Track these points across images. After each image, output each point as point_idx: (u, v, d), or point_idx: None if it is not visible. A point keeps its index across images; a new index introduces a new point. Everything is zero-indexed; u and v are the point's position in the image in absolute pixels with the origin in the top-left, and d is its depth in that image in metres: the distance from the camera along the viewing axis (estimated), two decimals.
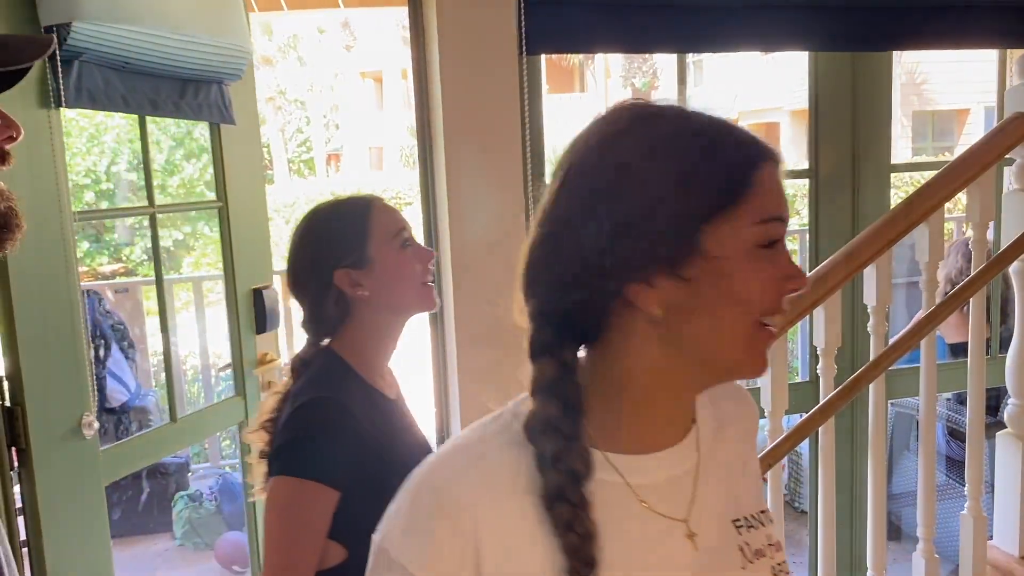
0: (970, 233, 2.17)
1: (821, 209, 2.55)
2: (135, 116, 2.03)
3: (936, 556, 2.11)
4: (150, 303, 5.02)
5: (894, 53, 2.57)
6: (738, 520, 0.84)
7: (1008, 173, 2.17)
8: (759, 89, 15.99)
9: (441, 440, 2.27)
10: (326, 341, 1.41)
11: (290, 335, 4.03)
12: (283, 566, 1.25)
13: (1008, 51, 2.60)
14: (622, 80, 18.09)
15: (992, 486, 2.26)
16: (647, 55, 15.68)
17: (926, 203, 2.05)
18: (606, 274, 0.71)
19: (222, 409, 2.43)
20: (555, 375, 0.74)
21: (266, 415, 1.39)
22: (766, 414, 2.20)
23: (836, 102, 2.46)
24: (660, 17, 2.14)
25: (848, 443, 2.62)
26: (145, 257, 9.66)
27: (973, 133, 14.13)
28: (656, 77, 18.60)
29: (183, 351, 5.06)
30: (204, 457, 4.71)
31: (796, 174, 2.43)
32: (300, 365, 1.40)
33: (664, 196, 0.71)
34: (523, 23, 1.98)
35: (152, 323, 5.24)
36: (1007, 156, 2.10)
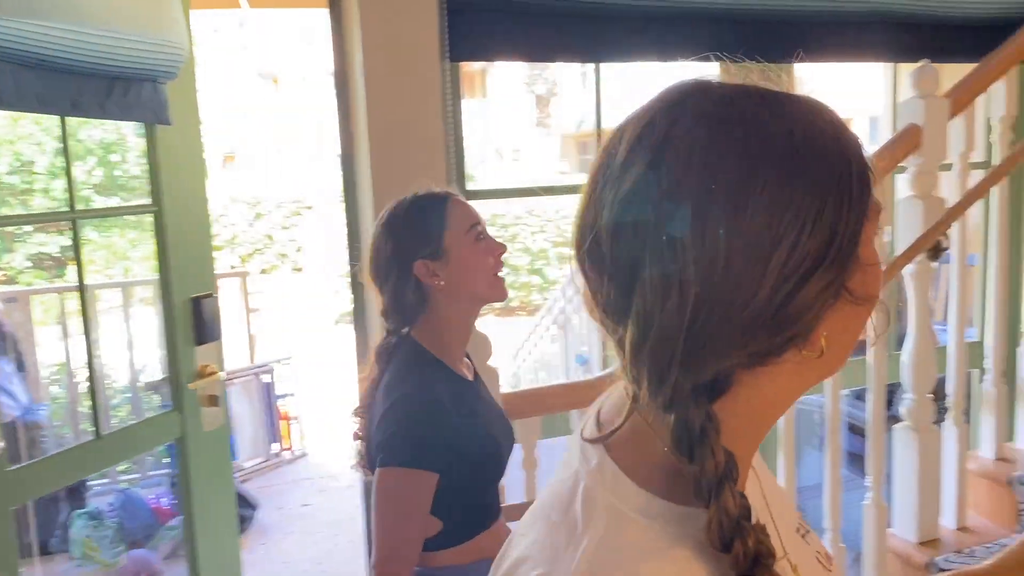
0: None
1: None
2: (10, 114, 1.91)
3: (842, 545, 2.23)
4: (43, 312, 4.77)
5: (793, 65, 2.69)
6: (799, 529, 0.78)
7: (902, 181, 2.30)
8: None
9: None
10: (405, 330, 1.50)
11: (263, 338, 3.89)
12: (394, 547, 1.35)
13: (899, 65, 2.77)
14: (525, 87, 18.26)
15: (890, 478, 2.38)
16: (549, 63, 15.88)
17: None
18: (792, 320, 0.58)
19: (156, 424, 2.30)
20: (726, 465, 0.58)
21: (361, 400, 1.52)
22: None
23: None
24: (579, 27, 2.19)
25: None
26: (29, 264, 9.17)
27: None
28: (556, 84, 18.86)
29: (94, 363, 4.83)
30: (102, 473, 4.51)
31: None
32: (384, 353, 1.49)
33: (843, 212, 0.59)
34: (446, 30, 1.99)
35: (47, 333, 4.99)
36: (900, 164, 2.24)
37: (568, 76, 18.63)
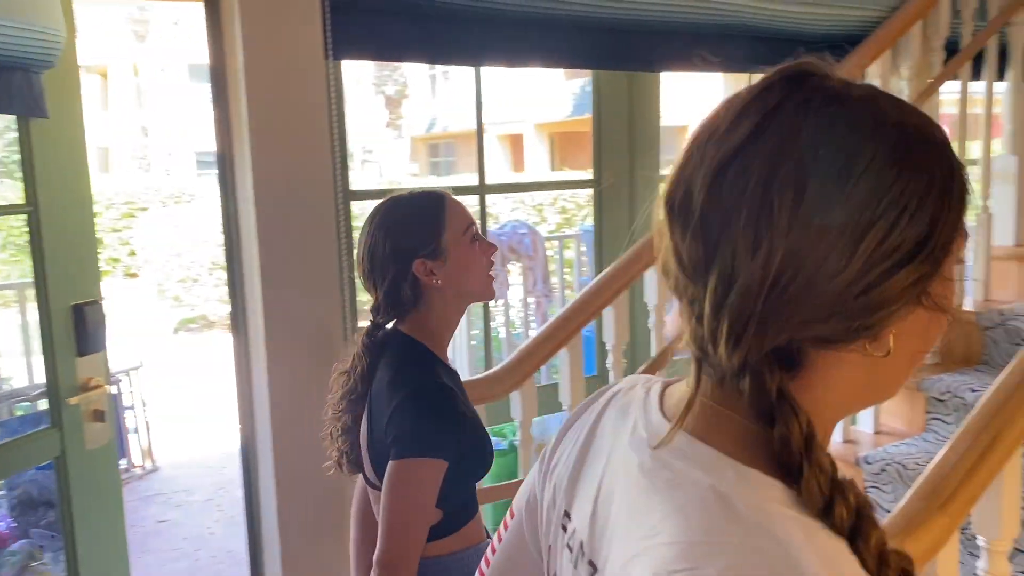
0: None
1: (604, 215, 2.76)
2: None
3: None
4: None
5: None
6: None
7: None
8: (505, 102, 16.68)
9: (248, 459, 2.17)
10: (391, 324, 1.53)
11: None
12: (413, 533, 1.38)
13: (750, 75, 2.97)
14: (374, 88, 18.06)
15: None
16: (398, 64, 15.79)
17: None
18: (871, 307, 0.58)
19: (32, 443, 2.10)
20: (809, 424, 0.59)
21: (340, 392, 1.53)
22: (564, 408, 2.35)
23: (615, 117, 2.66)
24: (460, 30, 2.21)
25: None
26: None
27: None
28: (406, 86, 18.79)
29: None
30: None
31: (583, 184, 2.59)
32: (373, 346, 1.51)
33: (944, 211, 0.59)
34: (328, 29, 1.96)
35: None
36: None
37: (418, 78, 18.60)
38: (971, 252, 2.89)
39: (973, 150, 2.94)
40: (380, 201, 1.53)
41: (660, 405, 0.70)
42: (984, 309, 2.78)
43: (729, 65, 2.59)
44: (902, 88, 2.72)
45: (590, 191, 2.79)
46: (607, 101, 2.64)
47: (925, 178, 0.58)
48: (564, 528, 0.75)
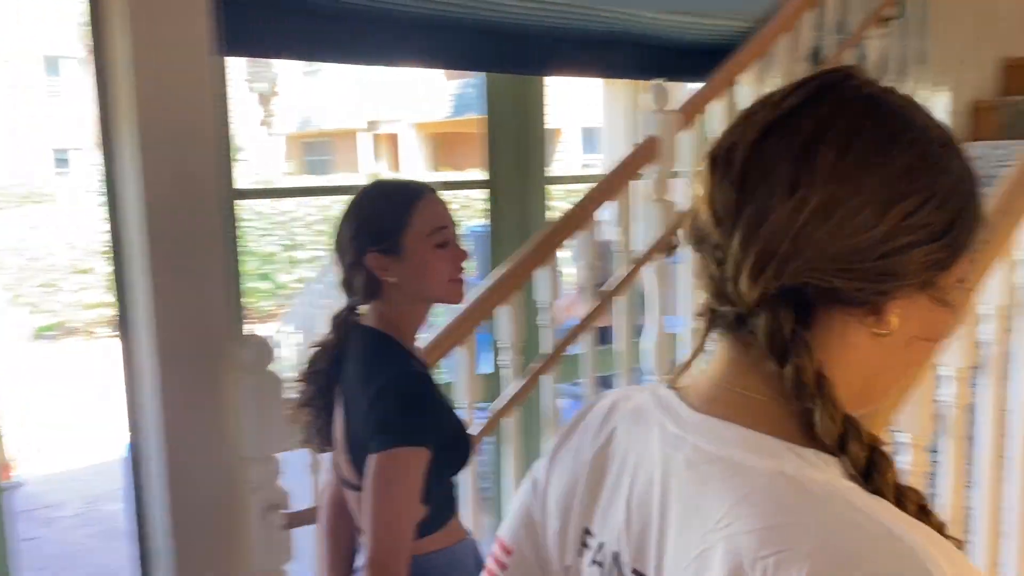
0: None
1: (497, 216, 2.80)
2: None
3: None
4: None
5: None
6: None
7: (642, 186, 2.57)
8: (382, 102, 16.52)
9: (136, 470, 2.08)
10: (359, 311, 1.48)
11: None
12: (404, 529, 1.32)
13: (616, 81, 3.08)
14: (246, 85, 17.51)
15: None
16: (270, 60, 15.39)
17: (584, 212, 2.37)
18: (885, 275, 0.62)
19: None
20: (821, 366, 0.63)
21: (309, 366, 1.49)
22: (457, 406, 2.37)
23: (505, 119, 2.71)
24: (350, 29, 2.20)
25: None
26: None
27: (568, 151, 16.00)
28: (278, 83, 18.31)
29: None
30: None
31: (477, 184, 2.62)
32: (342, 325, 1.48)
33: (968, 209, 0.65)
34: (215, 24, 1.92)
35: None
36: (641, 172, 2.50)
37: (290, 75, 18.17)
38: None
39: None
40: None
41: (680, 402, 0.70)
42: None
43: (613, 71, 2.68)
44: None
45: (474, 192, 2.83)
46: (498, 103, 2.69)
47: (955, 179, 0.64)
48: (586, 545, 0.75)
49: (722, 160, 0.64)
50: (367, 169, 16.45)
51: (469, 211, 8.41)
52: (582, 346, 2.40)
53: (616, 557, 0.71)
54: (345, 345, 1.49)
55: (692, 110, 2.56)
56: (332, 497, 1.62)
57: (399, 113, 16.64)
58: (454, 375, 2.35)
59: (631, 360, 2.55)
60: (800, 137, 0.62)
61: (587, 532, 0.75)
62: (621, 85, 4.24)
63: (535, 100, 2.77)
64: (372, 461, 1.32)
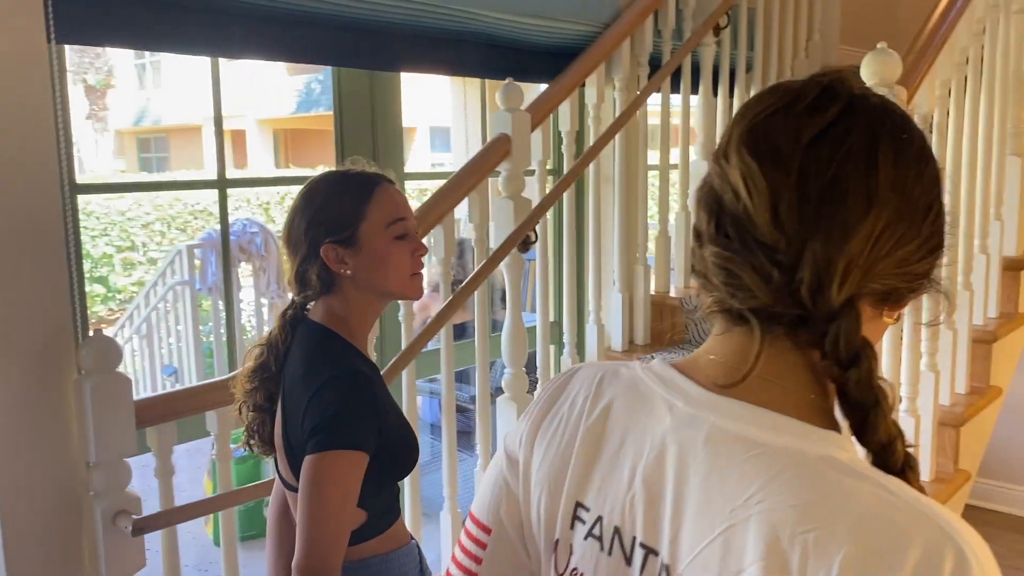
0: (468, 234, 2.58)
1: None
2: None
3: (459, 511, 2.49)
4: None
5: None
6: None
7: (496, 183, 2.63)
8: (227, 97, 15.84)
9: None
10: (312, 305, 1.43)
11: None
12: (336, 534, 1.26)
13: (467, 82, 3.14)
14: (72, 76, 16.39)
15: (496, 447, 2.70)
16: (101, 51, 14.52)
17: (439, 208, 2.40)
18: (919, 276, 0.70)
19: None
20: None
21: (252, 365, 1.43)
22: None
23: (358, 115, 2.70)
24: (196, 20, 2.14)
25: None
26: None
27: (420, 148, 15.97)
28: (112, 75, 17.28)
29: None
30: None
31: None
32: (291, 323, 1.42)
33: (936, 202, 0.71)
34: (50, 10, 1.82)
35: None
36: (496, 169, 2.56)
37: (124, 67, 17.19)
38: (675, 246, 3.29)
39: (673, 156, 3.33)
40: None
41: (687, 380, 0.72)
42: (685, 295, 3.18)
43: (465, 69, 2.73)
44: (615, 98, 3.03)
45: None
46: (349, 98, 2.68)
47: (940, 203, 0.72)
48: (580, 519, 0.74)
49: (771, 160, 0.67)
50: (211, 165, 15.81)
51: None
52: (440, 342, 2.43)
53: (617, 531, 0.71)
54: (291, 342, 1.43)
55: (541, 110, 2.64)
56: (276, 499, 1.57)
57: (243, 108, 16.08)
58: None
59: (491, 354, 2.61)
60: (856, 148, 0.66)
61: (580, 506, 0.74)
62: (471, 84, 4.30)
63: (390, 97, 2.78)
64: (306, 463, 1.28)
